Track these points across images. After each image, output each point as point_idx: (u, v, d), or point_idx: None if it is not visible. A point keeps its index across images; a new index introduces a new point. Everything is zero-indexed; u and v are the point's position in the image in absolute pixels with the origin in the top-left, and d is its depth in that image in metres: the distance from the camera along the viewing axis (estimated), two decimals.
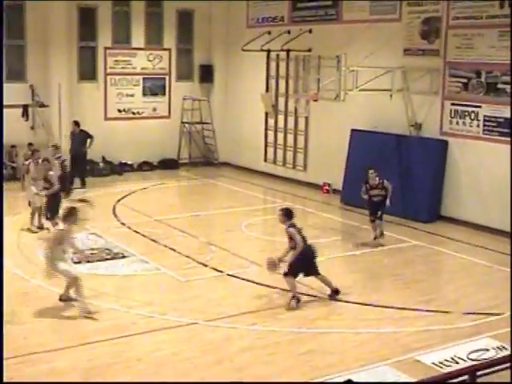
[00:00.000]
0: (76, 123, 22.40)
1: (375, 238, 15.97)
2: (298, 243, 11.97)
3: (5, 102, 22.68)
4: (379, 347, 10.57)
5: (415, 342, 10.68)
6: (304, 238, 12.17)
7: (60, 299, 11.82)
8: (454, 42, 18.08)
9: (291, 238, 12.10)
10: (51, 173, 16.36)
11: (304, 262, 12.09)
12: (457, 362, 9.88)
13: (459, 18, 17.91)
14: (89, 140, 22.21)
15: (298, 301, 12.01)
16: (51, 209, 15.99)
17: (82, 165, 22.43)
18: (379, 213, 15.76)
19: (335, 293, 12.38)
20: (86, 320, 11.23)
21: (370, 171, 15.73)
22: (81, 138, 22.25)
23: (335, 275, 13.06)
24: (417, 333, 11.05)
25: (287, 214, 12.28)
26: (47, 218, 16.14)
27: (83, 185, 22.05)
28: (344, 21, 21.24)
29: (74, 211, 11.70)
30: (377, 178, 15.69)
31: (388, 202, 15.70)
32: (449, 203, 18.38)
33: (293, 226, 12.19)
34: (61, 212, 11.87)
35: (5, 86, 22.79)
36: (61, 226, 11.66)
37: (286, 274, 12.09)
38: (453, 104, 18.22)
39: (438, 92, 18.47)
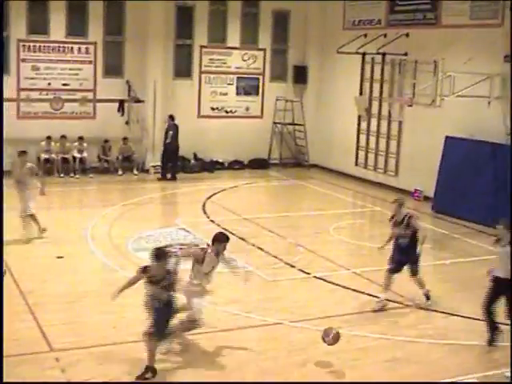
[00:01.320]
0: (170, 117, 22.85)
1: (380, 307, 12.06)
2: None
3: (102, 97, 23.37)
4: (467, 360, 10.33)
5: (505, 357, 10.29)
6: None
7: None
8: None
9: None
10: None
11: None
12: None
13: None
14: (171, 132, 22.65)
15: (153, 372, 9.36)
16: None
17: (172, 158, 22.96)
18: (405, 267, 11.94)
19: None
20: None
21: (395, 201, 12.26)
22: (170, 131, 22.76)
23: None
24: (508, 348, 10.68)
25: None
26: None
27: (174, 178, 22.56)
28: (442, 25, 20.81)
29: (223, 237, 10.34)
30: (404, 211, 12.05)
31: (418, 249, 11.86)
32: None
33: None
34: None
35: (103, 80, 23.46)
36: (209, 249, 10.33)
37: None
38: None
39: None
